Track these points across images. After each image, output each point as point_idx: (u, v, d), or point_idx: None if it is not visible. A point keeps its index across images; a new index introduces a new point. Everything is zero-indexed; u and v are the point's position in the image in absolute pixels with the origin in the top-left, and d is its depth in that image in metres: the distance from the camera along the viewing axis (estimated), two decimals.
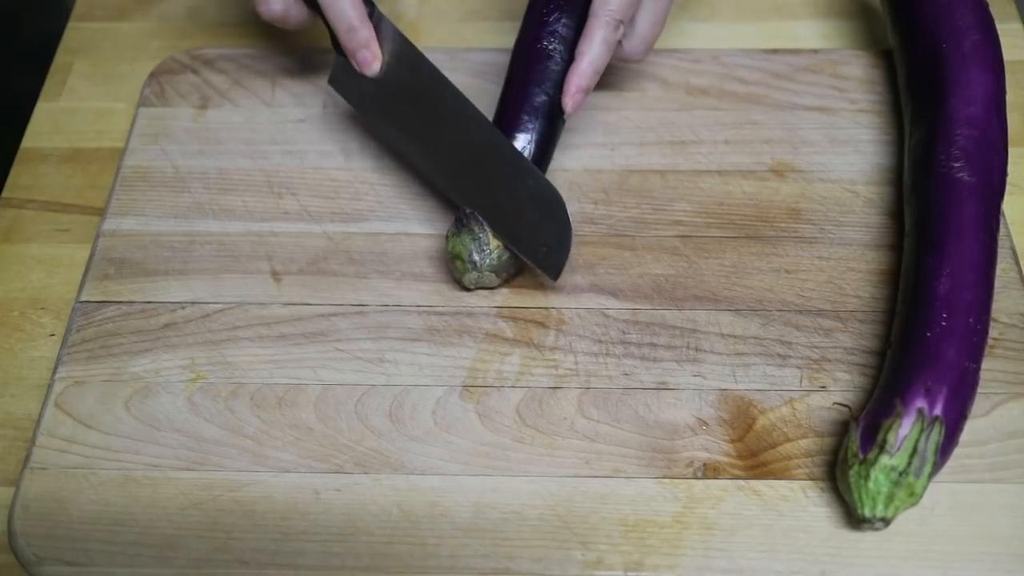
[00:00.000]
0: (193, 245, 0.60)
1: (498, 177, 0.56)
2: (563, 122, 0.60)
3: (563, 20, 0.60)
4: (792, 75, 0.69)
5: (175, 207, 0.62)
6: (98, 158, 0.67)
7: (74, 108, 0.70)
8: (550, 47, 0.60)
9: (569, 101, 0.58)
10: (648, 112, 0.67)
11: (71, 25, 0.75)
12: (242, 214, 0.62)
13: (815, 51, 0.70)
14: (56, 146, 0.68)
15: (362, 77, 0.59)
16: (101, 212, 0.63)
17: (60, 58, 0.73)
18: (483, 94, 0.66)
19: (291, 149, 0.65)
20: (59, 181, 0.66)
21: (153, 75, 0.69)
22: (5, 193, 0.65)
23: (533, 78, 0.59)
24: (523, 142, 0.58)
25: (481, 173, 0.57)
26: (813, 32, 0.74)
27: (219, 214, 0.62)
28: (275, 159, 0.65)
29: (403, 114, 0.59)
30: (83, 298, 0.58)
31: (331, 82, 0.61)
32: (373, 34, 0.58)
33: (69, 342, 0.56)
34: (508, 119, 0.59)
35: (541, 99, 0.59)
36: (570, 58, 0.59)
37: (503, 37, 0.73)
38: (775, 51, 0.69)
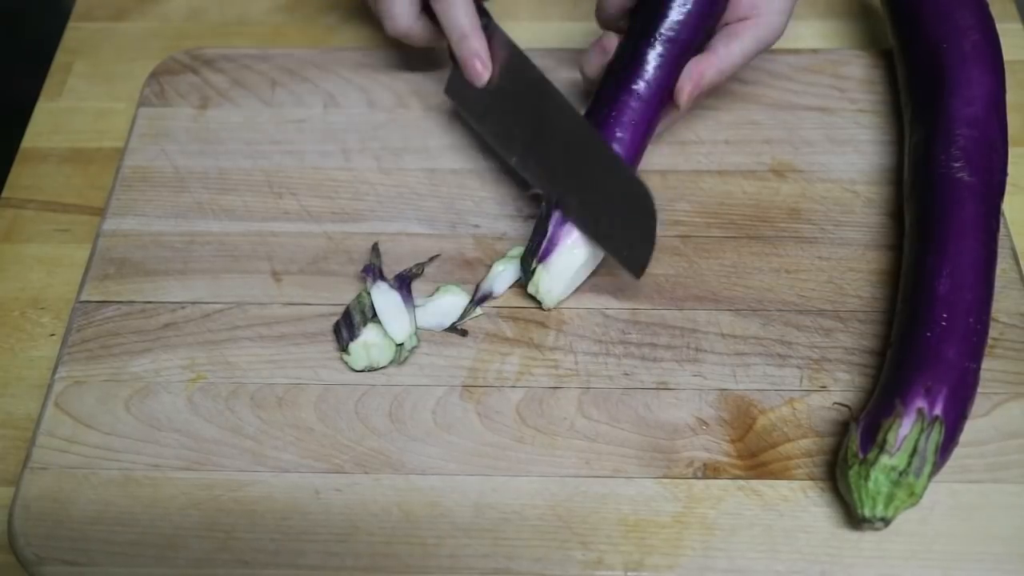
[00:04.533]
0: (193, 245, 0.60)
1: (590, 175, 0.56)
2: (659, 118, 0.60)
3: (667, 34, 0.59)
4: (792, 75, 0.69)
5: (175, 207, 0.62)
6: (98, 158, 0.67)
7: (74, 108, 0.70)
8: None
9: (684, 92, 0.57)
10: None
11: (71, 25, 0.75)
12: (242, 214, 0.62)
13: (815, 51, 0.70)
14: (56, 146, 0.68)
15: (474, 86, 0.60)
16: (101, 212, 0.63)
17: (60, 58, 0.73)
18: None
19: (291, 149, 0.65)
20: (59, 181, 0.66)
21: (153, 75, 0.69)
22: (5, 193, 0.65)
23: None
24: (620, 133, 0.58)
25: (575, 172, 0.56)
26: (813, 32, 0.74)
27: (219, 214, 0.62)
28: (275, 159, 0.65)
29: (509, 121, 0.59)
30: (83, 298, 0.58)
31: (447, 91, 0.63)
32: (485, 44, 0.59)
33: (69, 342, 0.56)
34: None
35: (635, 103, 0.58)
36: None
37: None
38: (775, 51, 0.69)
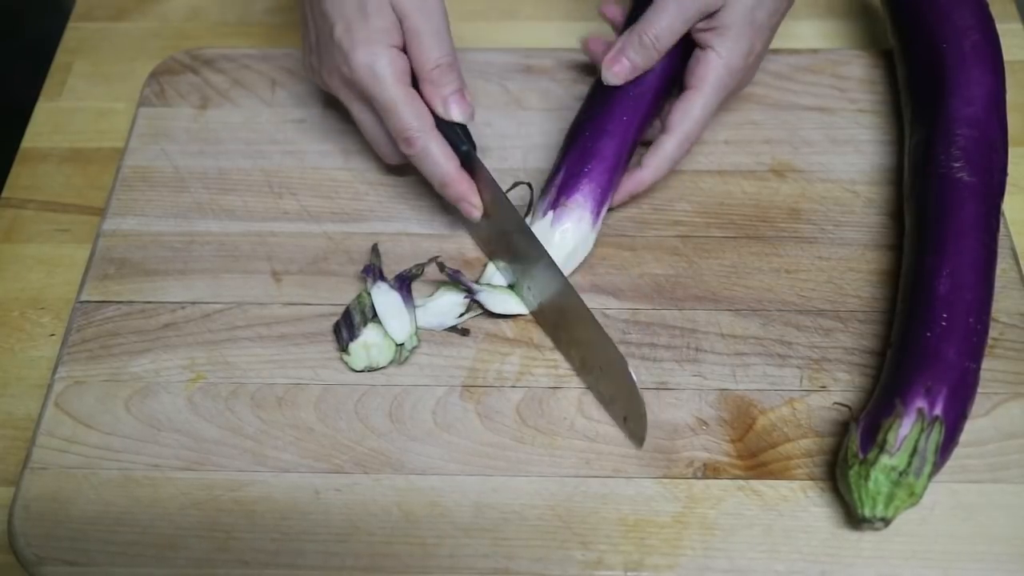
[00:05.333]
0: (193, 245, 0.60)
1: (578, 339, 0.54)
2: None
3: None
4: (792, 75, 0.69)
5: (175, 207, 0.62)
6: (98, 158, 0.67)
7: (74, 108, 0.70)
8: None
9: (611, 69, 0.58)
10: None
11: (71, 25, 0.75)
12: (242, 214, 0.62)
13: (815, 51, 0.70)
14: (56, 146, 0.68)
15: None
16: (101, 212, 0.63)
17: (60, 58, 0.73)
18: (484, 94, 0.67)
19: (291, 149, 0.65)
20: (59, 181, 0.66)
21: (153, 75, 0.69)
22: (5, 193, 0.65)
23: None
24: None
25: (565, 330, 0.55)
26: (813, 32, 0.74)
27: (219, 214, 0.62)
28: (275, 159, 0.65)
29: (501, 252, 0.58)
30: (83, 298, 0.58)
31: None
32: (470, 184, 0.57)
33: (69, 342, 0.56)
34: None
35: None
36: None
37: (503, 37, 0.73)
38: (775, 51, 0.69)
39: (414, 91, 0.55)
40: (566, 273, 0.57)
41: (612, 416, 0.54)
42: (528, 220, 0.58)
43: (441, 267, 0.56)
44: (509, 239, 0.57)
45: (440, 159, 0.56)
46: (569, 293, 0.54)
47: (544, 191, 0.59)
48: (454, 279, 0.56)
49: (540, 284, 0.55)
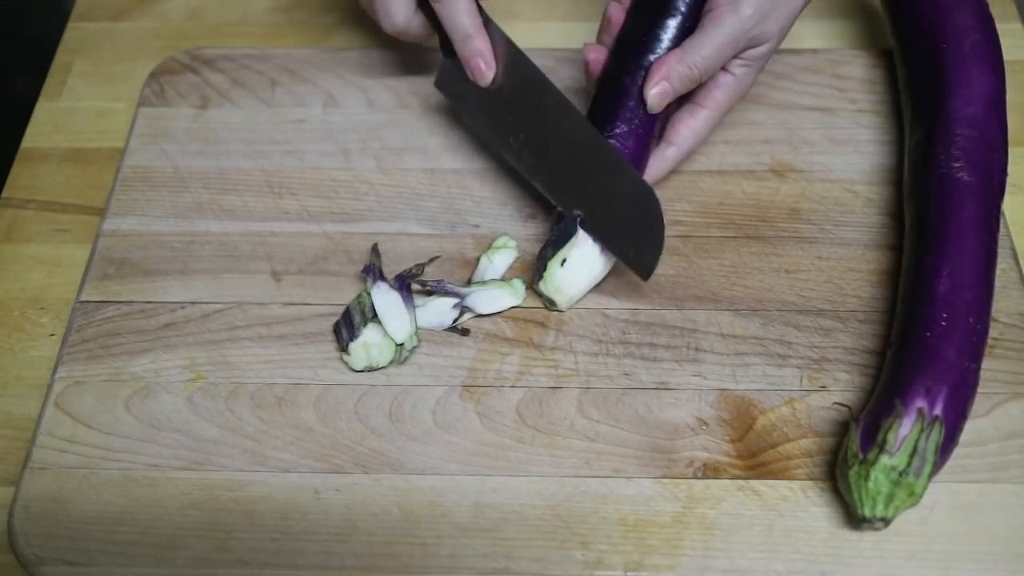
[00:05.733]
0: (193, 245, 0.60)
1: (594, 176, 0.55)
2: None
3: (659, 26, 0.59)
4: (792, 75, 0.69)
5: (175, 207, 0.62)
6: (98, 158, 0.67)
7: (74, 108, 0.70)
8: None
9: (650, 91, 0.57)
10: None
11: (71, 25, 0.75)
12: (242, 214, 0.62)
13: (815, 51, 0.70)
14: (56, 146, 0.68)
15: (469, 80, 0.59)
16: (101, 212, 0.63)
17: (60, 58, 0.73)
18: None
19: (291, 149, 0.65)
20: (59, 181, 0.66)
21: (153, 75, 0.69)
22: (5, 193, 0.65)
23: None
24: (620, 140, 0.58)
25: (578, 173, 0.56)
26: (813, 32, 0.74)
27: (219, 214, 0.62)
28: (275, 159, 0.65)
29: (506, 117, 0.59)
30: (83, 298, 0.58)
31: (437, 84, 0.62)
32: (488, 44, 0.58)
33: (69, 342, 0.56)
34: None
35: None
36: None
37: None
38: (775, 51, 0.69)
39: None
40: (585, 292, 0.57)
41: (616, 252, 0.55)
42: (566, 250, 0.56)
43: (423, 283, 0.57)
44: (521, 94, 0.57)
45: (469, 10, 0.57)
46: (591, 131, 0.55)
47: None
48: (438, 289, 0.56)
49: (559, 137, 0.56)
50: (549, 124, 0.57)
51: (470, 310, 0.56)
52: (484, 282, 0.58)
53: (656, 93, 0.56)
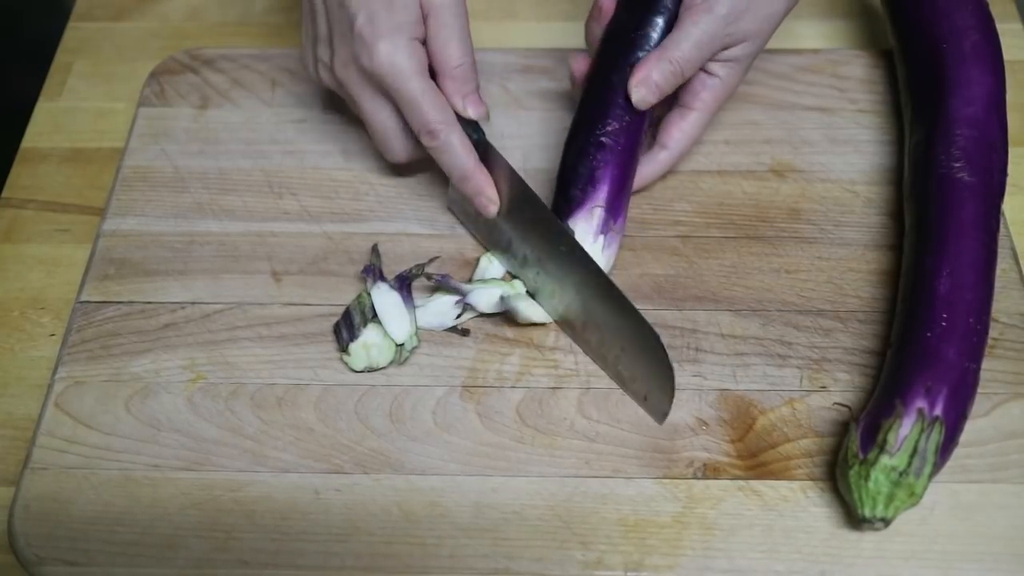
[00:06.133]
0: (193, 245, 0.60)
1: (603, 318, 0.54)
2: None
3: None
4: (792, 75, 0.69)
5: (175, 207, 0.62)
6: (98, 158, 0.67)
7: (74, 108, 0.70)
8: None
9: (634, 88, 0.57)
10: None
11: (71, 25, 0.75)
12: (242, 214, 0.62)
13: (815, 51, 0.70)
14: (56, 146, 0.68)
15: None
16: (101, 212, 0.63)
17: (60, 58, 0.73)
18: (484, 94, 0.66)
19: (291, 149, 0.65)
20: (59, 181, 0.66)
21: (153, 75, 0.69)
22: (5, 193, 0.65)
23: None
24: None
25: (588, 311, 0.55)
26: (813, 32, 0.74)
27: (219, 214, 0.62)
28: (275, 159, 0.65)
29: (517, 251, 0.57)
30: (83, 298, 0.58)
31: (449, 207, 0.62)
32: (488, 179, 0.57)
33: (69, 342, 0.56)
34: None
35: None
36: None
37: (503, 37, 0.73)
38: (775, 51, 0.69)
39: (435, 84, 0.56)
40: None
41: (631, 395, 0.54)
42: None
43: (428, 276, 0.57)
44: (529, 230, 0.56)
45: (461, 151, 0.56)
46: (599, 275, 0.54)
47: (582, 212, 0.57)
48: (443, 284, 0.56)
49: (562, 272, 0.55)
50: (556, 262, 0.55)
51: (471, 308, 0.56)
52: (485, 280, 0.58)
53: (640, 90, 0.57)
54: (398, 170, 0.63)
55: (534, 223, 0.56)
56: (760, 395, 0.54)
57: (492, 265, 0.59)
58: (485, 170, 0.57)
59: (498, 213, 0.57)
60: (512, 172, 0.56)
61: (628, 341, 0.53)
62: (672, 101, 0.60)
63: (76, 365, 0.56)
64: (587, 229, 0.56)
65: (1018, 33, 0.72)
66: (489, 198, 0.57)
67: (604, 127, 0.57)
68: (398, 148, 0.59)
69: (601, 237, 0.56)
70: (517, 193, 0.56)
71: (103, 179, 0.65)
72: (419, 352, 0.56)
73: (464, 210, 0.61)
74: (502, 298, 0.55)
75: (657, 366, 0.51)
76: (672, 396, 0.52)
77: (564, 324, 0.57)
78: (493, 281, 0.58)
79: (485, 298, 0.56)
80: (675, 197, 0.63)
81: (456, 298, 0.56)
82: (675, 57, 0.56)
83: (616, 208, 0.57)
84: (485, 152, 0.57)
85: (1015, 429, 0.53)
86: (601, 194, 0.56)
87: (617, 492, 0.51)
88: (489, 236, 0.60)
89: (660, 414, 0.53)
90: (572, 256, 0.54)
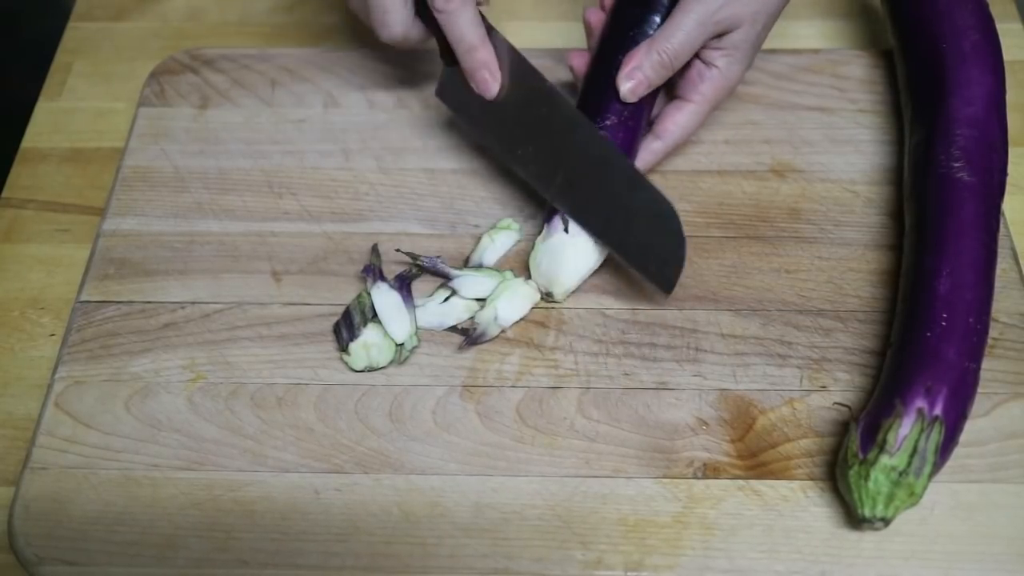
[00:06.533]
0: (193, 245, 0.60)
1: (610, 190, 0.55)
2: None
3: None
4: (792, 75, 0.69)
5: (175, 207, 0.62)
6: (98, 158, 0.67)
7: (74, 108, 0.70)
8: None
9: (622, 81, 0.57)
10: None
11: (71, 25, 0.75)
12: (242, 214, 0.62)
13: (815, 51, 0.70)
14: (56, 146, 0.68)
15: (473, 90, 0.58)
16: (101, 212, 0.63)
17: (60, 58, 0.73)
18: None
19: (291, 149, 0.65)
20: (59, 181, 0.66)
21: (153, 75, 0.69)
22: (5, 193, 0.65)
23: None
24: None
25: (593, 186, 0.55)
26: (813, 32, 0.74)
27: (219, 214, 0.62)
28: (275, 159, 0.65)
29: (512, 128, 0.58)
30: (83, 298, 0.58)
31: (438, 93, 0.61)
32: (493, 55, 0.57)
33: (69, 342, 0.56)
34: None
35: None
36: None
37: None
38: (775, 51, 0.69)
39: None
40: (580, 282, 0.57)
41: (636, 267, 0.55)
42: (543, 236, 0.57)
43: (414, 257, 0.57)
44: (533, 111, 0.56)
45: (473, 21, 0.56)
46: (607, 146, 0.54)
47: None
48: (430, 266, 0.56)
49: (573, 150, 0.55)
50: (560, 136, 0.56)
51: (455, 292, 0.56)
52: (477, 268, 0.58)
53: (628, 82, 0.57)
54: (387, 43, 0.60)
55: (534, 97, 0.56)
56: (760, 395, 0.54)
57: (493, 244, 0.59)
58: (491, 47, 0.57)
59: (498, 92, 0.57)
60: (512, 49, 0.57)
61: (637, 210, 0.54)
62: (671, 93, 0.60)
63: (76, 365, 0.56)
64: (557, 216, 0.57)
65: (1018, 33, 0.72)
66: (493, 74, 0.57)
67: (603, 122, 0.57)
68: (396, 21, 0.58)
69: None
70: (518, 69, 0.57)
71: (103, 179, 0.65)
72: (419, 352, 0.56)
73: (456, 97, 0.60)
74: (472, 320, 0.56)
75: (667, 233, 0.52)
76: (682, 264, 0.53)
77: (560, 197, 0.57)
78: (484, 269, 0.58)
79: (470, 284, 0.56)
80: (675, 197, 0.62)
81: (446, 294, 0.56)
82: (664, 48, 0.56)
83: None
84: (492, 38, 0.57)
85: (1015, 429, 0.53)
86: None
87: (617, 492, 0.51)
88: (480, 123, 0.59)
89: (668, 283, 0.54)
90: (574, 129, 0.55)
